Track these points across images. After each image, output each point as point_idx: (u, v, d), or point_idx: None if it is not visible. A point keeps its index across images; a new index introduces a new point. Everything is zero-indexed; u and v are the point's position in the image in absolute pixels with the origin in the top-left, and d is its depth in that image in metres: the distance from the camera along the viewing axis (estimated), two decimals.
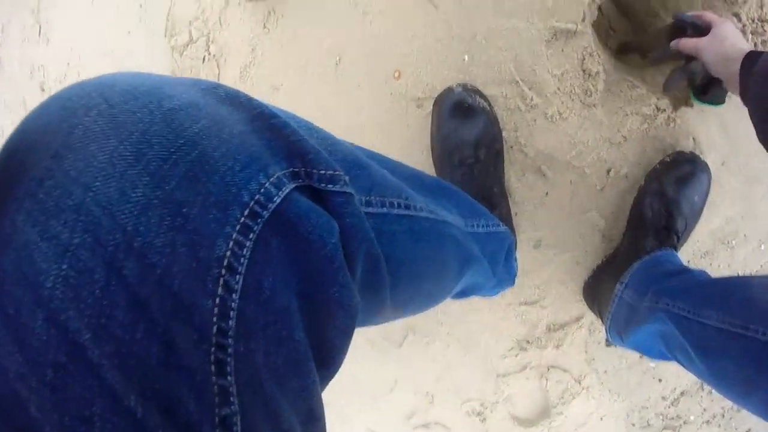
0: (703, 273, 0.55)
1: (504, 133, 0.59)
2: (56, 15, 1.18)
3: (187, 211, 0.16)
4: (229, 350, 0.16)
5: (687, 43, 0.54)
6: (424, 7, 0.60)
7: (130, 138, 0.16)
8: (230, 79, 0.77)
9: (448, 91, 0.57)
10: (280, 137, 0.20)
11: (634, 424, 0.86)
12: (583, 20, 0.62)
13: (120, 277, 0.15)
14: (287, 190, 0.19)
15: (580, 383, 0.83)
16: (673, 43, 0.56)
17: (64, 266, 0.15)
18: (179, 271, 0.16)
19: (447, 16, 0.60)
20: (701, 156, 0.66)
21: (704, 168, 0.64)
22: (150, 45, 0.91)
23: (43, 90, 1.14)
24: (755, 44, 0.65)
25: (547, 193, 0.63)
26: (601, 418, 0.87)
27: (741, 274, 0.76)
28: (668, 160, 0.64)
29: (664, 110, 0.64)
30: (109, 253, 0.15)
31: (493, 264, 0.49)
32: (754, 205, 0.74)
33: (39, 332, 0.15)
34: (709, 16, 0.54)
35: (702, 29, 0.54)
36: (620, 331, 0.61)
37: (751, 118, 0.45)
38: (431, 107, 0.59)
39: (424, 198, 0.34)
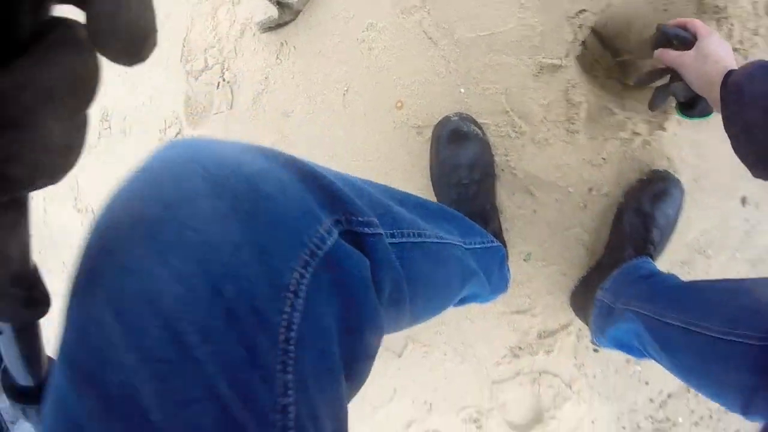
0: (672, 277, 0.62)
1: (496, 157, 0.68)
2: None
3: (268, 250, 0.22)
4: (291, 354, 0.21)
5: (669, 56, 0.53)
6: (425, 44, 0.69)
7: (225, 195, 0.22)
8: (243, 104, 0.85)
9: (446, 119, 0.66)
10: (327, 194, 0.26)
11: (624, 428, 0.92)
12: (567, 56, 0.71)
13: (221, 298, 0.20)
14: (335, 236, 0.25)
15: (570, 388, 0.89)
16: (656, 52, 0.55)
17: (180, 288, 0.19)
18: (260, 294, 0.21)
19: (445, 52, 0.68)
20: (675, 174, 0.74)
21: (677, 184, 0.71)
22: (166, 68, 0.99)
23: None
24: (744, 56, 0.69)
25: (535, 211, 0.71)
26: (593, 422, 0.93)
27: (719, 276, 0.84)
28: (645, 178, 0.72)
29: (640, 134, 0.73)
30: (213, 279, 0.20)
31: (488, 275, 0.57)
32: (728, 218, 0.81)
33: (155, 336, 0.19)
34: (695, 25, 0.53)
35: (687, 42, 0.53)
36: (601, 331, 0.68)
37: (727, 131, 0.45)
38: (430, 134, 0.68)
39: (429, 224, 0.41)
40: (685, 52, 0.51)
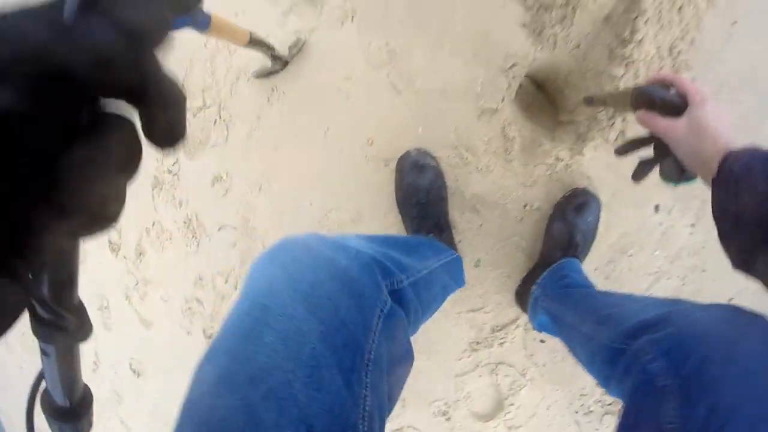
0: (582, 283, 0.79)
1: (448, 182, 0.87)
2: None
3: (362, 310, 0.39)
4: (369, 368, 0.37)
5: (656, 125, 0.47)
6: (391, 93, 0.89)
7: (335, 280, 0.39)
8: (238, 139, 1.03)
9: (407, 154, 0.86)
10: (381, 269, 0.45)
11: (577, 412, 1.09)
12: (503, 100, 0.92)
13: (341, 333, 0.36)
14: (390, 300, 0.43)
15: (524, 376, 1.07)
16: (638, 115, 0.50)
17: (321, 328, 0.35)
18: (358, 334, 0.38)
19: (407, 100, 0.89)
20: (592, 189, 0.95)
21: (594, 197, 0.90)
22: None
23: None
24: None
25: (481, 225, 0.91)
26: (548, 408, 1.10)
27: (643, 275, 1.02)
28: (568, 194, 0.90)
29: (563, 159, 0.94)
30: (338, 323, 0.36)
31: (453, 278, 0.77)
32: (644, 223, 0.97)
33: (306, 354, 0.33)
34: (684, 86, 0.47)
35: (676, 108, 0.47)
36: (533, 317, 0.87)
37: (714, 218, 0.42)
38: (395, 165, 0.87)
39: (417, 258, 0.61)
40: (675, 122, 0.46)
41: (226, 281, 1.15)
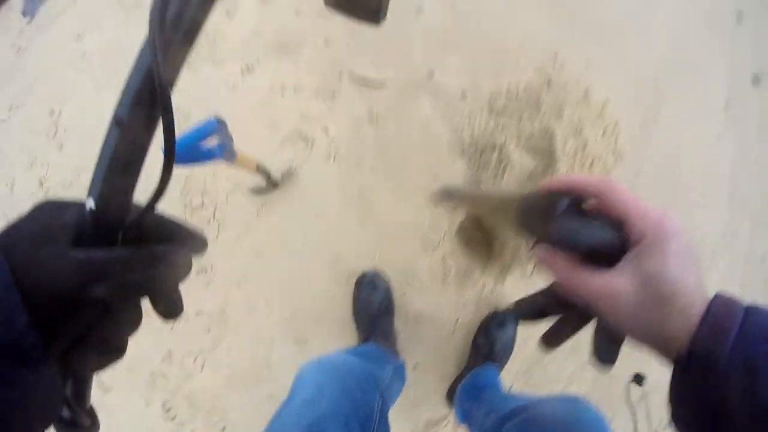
0: (488, 385, 1.01)
1: (396, 299, 1.11)
2: (75, 125, 1.48)
3: (367, 402, 0.67)
4: (376, 418, 0.66)
5: (576, 286, 0.30)
6: (357, 226, 1.15)
7: (352, 378, 0.69)
8: (227, 240, 1.24)
9: (364, 274, 1.09)
10: (374, 379, 0.72)
11: None
12: (444, 237, 1.20)
13: (360, 410, 0.64)
14: (380, 401, 0.70)
15: None
16: (540, 257, 0.32)
17: (350, 404, 0.62)
18: (369, 413, 0.66)
19: (369, 231, 1.14)
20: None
21: (513, 318, 1.17)
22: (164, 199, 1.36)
23: (41, 185, 1.44)
24: None
25: (421, 335, 1.13)
26: None
27: (557, 381, 1.25)
28: (491, 313, 1.16)
29: (488, 286, 1.20)
30: (356, 405, 0.64)
31: (400, 381, 0.97)
32: None
33: (341, 416, 0.59)
34: (625, 204, 0.29)
35: (607, 250, 0.29)
36: (457, 412, 1.07)
37: (671, 407, 0.30)
38: (354, 282, 1.10)
39: (381, 366, 0.84)
40: (611, 280, 0.29)
41: (194, 360, 1.29)
